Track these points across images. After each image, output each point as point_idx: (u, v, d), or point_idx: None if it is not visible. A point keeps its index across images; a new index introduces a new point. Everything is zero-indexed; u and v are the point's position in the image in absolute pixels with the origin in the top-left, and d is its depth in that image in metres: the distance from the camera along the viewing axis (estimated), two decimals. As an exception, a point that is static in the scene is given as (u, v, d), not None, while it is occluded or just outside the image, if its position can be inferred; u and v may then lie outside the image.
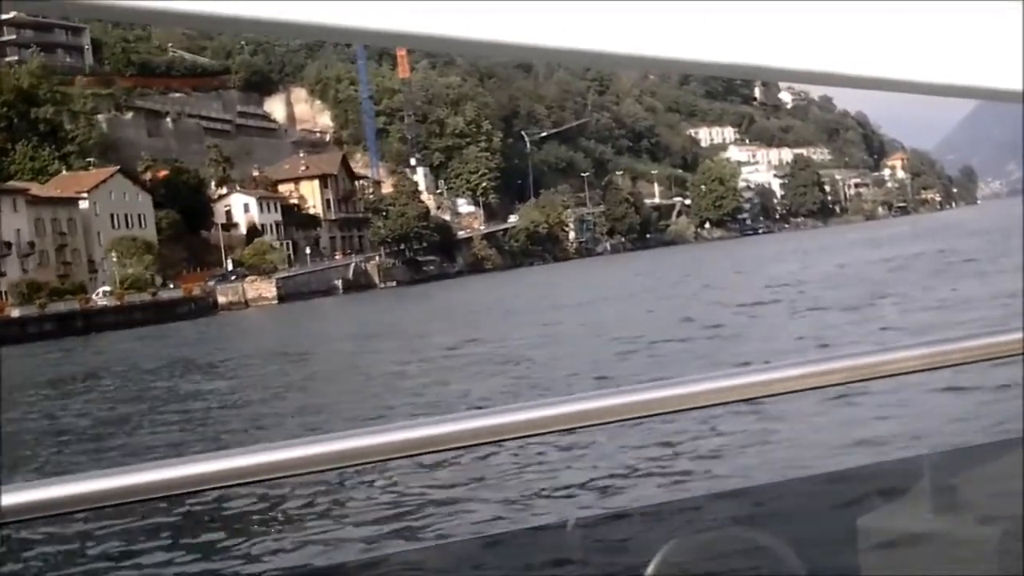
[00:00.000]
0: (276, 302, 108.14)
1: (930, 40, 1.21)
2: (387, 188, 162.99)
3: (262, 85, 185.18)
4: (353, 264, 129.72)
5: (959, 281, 42.71)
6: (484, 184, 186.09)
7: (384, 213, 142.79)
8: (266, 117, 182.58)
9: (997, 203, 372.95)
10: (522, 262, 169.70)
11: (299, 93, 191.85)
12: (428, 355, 38.46)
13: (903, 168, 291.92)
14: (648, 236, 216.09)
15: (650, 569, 1.97)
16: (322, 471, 1.36)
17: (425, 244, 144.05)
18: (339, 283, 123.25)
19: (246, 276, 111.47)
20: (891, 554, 2.33)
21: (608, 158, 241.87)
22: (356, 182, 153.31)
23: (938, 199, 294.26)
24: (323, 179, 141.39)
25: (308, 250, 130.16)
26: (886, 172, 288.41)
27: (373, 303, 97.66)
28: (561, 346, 36.72)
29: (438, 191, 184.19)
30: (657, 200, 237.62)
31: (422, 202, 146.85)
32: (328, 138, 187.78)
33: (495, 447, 14.34)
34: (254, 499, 15.75)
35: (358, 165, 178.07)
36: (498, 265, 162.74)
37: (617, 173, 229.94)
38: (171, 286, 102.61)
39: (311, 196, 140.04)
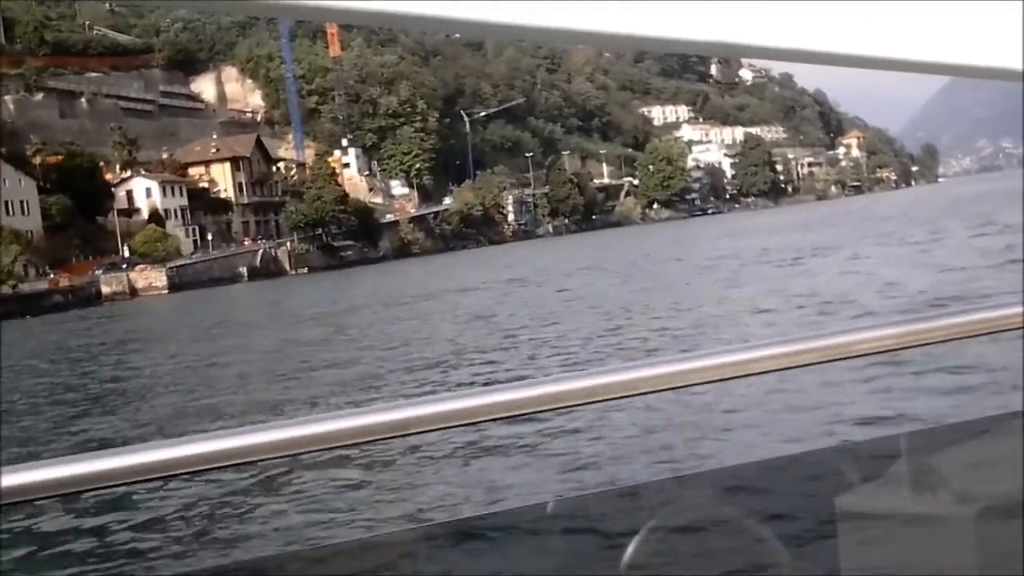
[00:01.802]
0: (167, 292, 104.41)
1: (929, 18, 1.20)
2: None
3: (189, 64, 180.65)
4: (261, 250, 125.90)
5: (728, 289, 40.45)
6: (418, 165, 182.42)
7: (301, 196, 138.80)
8: (192, 97, 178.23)
9: (957, 181, 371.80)
10: (455, 246, 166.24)
11: (230, 72, 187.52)
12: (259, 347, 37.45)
13: (859, 146, 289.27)
14: (594, 217, 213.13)
15: (629, 549, 1.99)
16: (318, 450, 1.39)
17: (343, 229, 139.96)
18: (244, 270, 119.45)
19: (137, 265, 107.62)
20: (869, 532, 2.36)
21: (558, 137, 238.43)
22: (274, 164, 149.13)
23: (893, 178, 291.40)
24: (235, 161, 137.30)
25: (211, 236, 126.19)
26: (841, 151, 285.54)
27: (274, 290, 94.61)
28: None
29: (370, 172, 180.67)
30: (606, 180, 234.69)
31: (339, 185, 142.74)
32: (259, 118, 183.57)
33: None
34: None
35: (289, 146, 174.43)
36: (427, 249, 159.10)
37: (564, 153, 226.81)
38: (51, 277, 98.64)
39: (222, 179, 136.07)
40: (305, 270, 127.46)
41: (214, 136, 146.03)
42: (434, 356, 30.50)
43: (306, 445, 1.38)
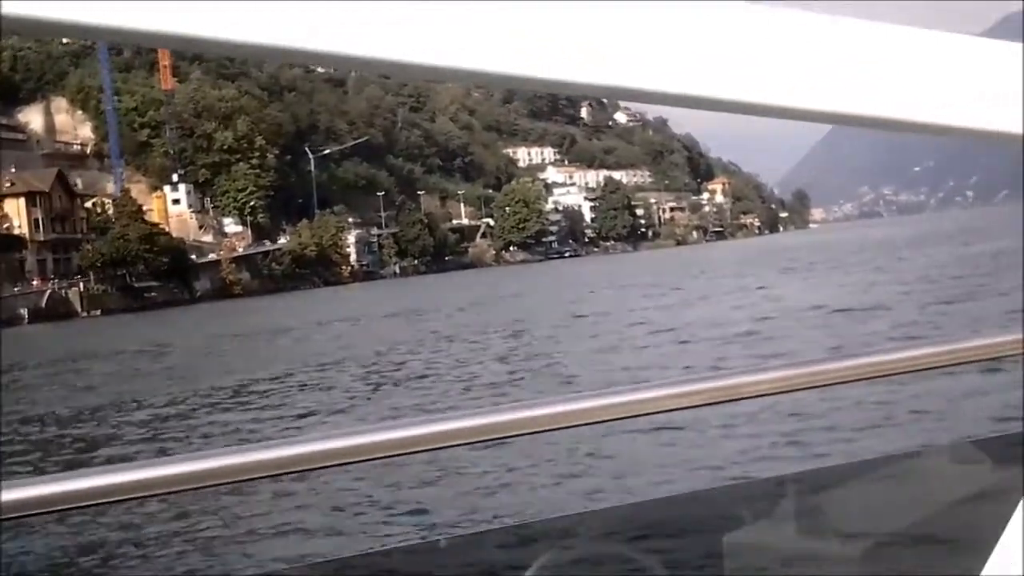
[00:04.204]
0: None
1: (928, 79, 1.20)
2: (146, 207, 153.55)
3: (12, 94, 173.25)
4: (49, 291, 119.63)
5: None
6: (253, 203, 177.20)
7: (104, 234, 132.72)
8: (14, 128, 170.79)
9: (829, 227, 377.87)
10: (285, 287, 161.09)
11: (59, 103, 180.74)
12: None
13: (723, 192, 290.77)
14: (447, 259, 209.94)
15: None
16: (321, 468, 1.40)
17: (150, 268, 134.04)
18: (24, 312, 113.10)
19: None
20: (757, 570, 2.40)
21: (416, 177, 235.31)
22: (81, 199, 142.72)
23: (757, 224, 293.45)
24: (31, 196, 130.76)
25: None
26: (705, 196, 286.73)
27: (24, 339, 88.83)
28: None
29: (202, 209, 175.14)
30: (464, 221, 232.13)
31: (146, 222, 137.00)
32: (88, 150, 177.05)
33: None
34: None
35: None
36: (253, 290, 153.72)
37: (420, 193, 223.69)
38: None
39: (16, 215, 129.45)
40: (98, 312, 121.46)
41: (12, 170, 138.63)
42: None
43: (306, 463, 1.38)
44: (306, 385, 31.61)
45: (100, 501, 1.29)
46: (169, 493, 1.34)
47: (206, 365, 41.42)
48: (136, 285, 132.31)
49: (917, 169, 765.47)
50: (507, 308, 60.96)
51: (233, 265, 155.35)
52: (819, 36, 1.13)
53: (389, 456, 1.44)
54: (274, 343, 50.71)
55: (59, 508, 1.27)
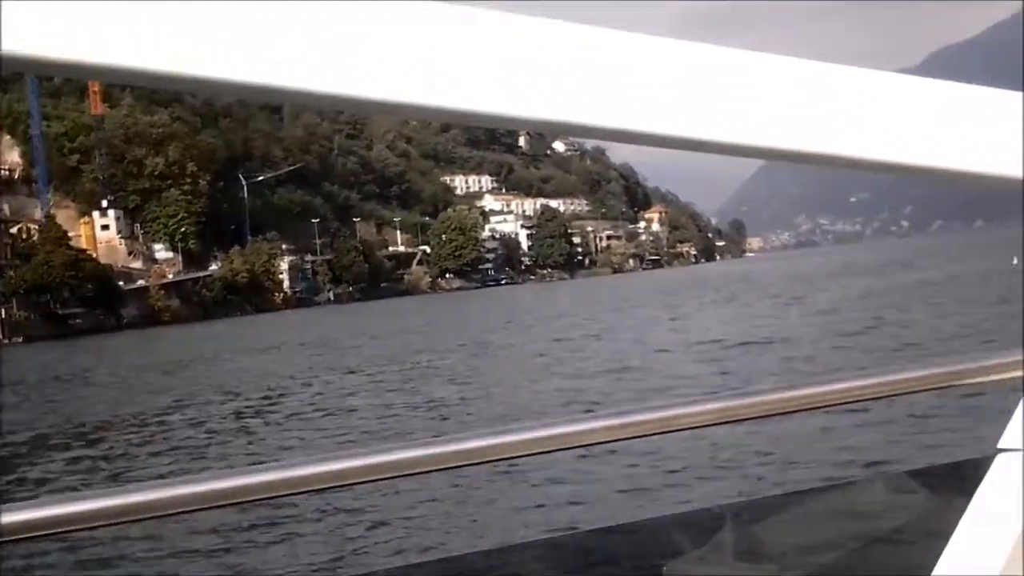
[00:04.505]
0: None
1: (931, 125, 1.20)
2: (74, 233, 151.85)
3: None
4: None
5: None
6: (184, 229, 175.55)
7: (29, 260, 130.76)
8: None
9: (758, 257, 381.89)
10: (215, 313, 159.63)
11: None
12: None
13: (660, 221, 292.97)
14: (383, 286, 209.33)
15: None
16: (335, 488, 1.41)
17: (75, 295, 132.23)
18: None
19: None
20: None
21: (353, 204, 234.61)
22: (2, 226, 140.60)
23: (693, 253, 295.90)
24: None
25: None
26: (641, 225, 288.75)
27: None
28: None
29: (132, 235, 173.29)
30: (401, 248, 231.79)
31: (72, 248, 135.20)
32: (16, 175, 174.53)
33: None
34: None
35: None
36: (183, 317, 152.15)
37: (356, 220, 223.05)
38: None
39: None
40: (20, 339, 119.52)
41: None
42: None
43: (315, 484, 1.38)
44: (182, 422, 30.94)
45: (101, 524, 1.28)
46: (173, 515, 1.34)
47: (95, 396, 40.71)
48: (60, 312, 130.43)
49: (853, 200, 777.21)
50: (413, 339, 60.66)
51: (162, 292, 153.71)
52: (773, 77, 1.14)
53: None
54: (177, 374, 50.07)
55: (59, 531, 1.27)
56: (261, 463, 1.40)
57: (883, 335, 38.92)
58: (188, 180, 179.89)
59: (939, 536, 1.76)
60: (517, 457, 1.57)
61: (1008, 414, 1.67)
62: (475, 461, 1.53)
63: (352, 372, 40.87)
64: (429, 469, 1.49)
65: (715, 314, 62.52)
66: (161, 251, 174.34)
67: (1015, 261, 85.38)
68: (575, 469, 16.72)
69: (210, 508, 1.36)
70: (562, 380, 31.40)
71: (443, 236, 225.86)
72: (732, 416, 1.65)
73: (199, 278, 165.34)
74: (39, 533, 1.25)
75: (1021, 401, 1.69)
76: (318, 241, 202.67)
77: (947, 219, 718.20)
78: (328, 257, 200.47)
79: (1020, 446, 1.67)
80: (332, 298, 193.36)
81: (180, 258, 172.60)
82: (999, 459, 1.70)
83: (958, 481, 1.97)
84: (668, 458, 17.26)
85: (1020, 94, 1.30)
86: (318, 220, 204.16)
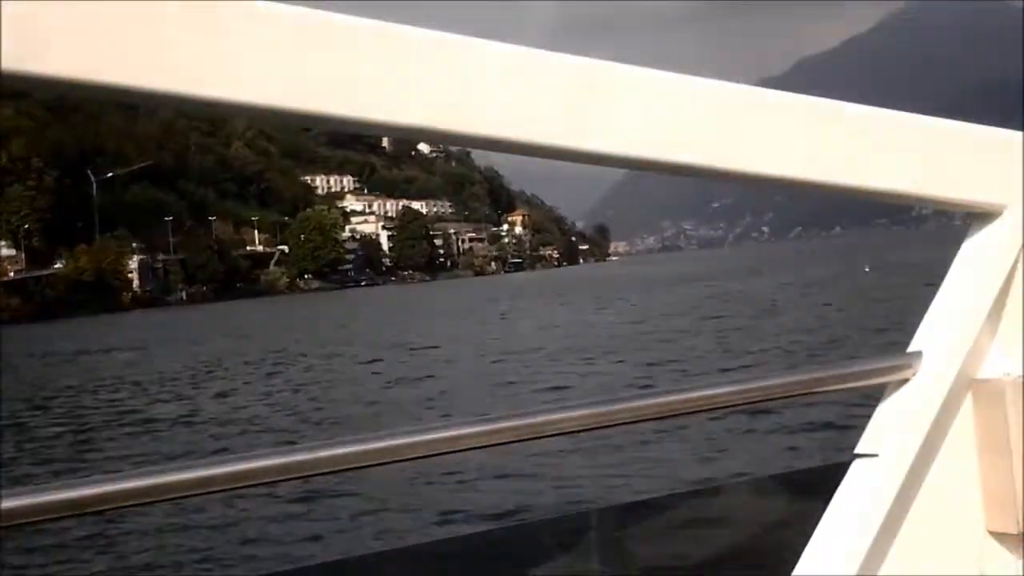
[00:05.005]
0: None
1: (936, 159, 1.25)
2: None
3: None
4: None
5: None
6: (28, 226, 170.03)
7: None
8: None
9: (620, 261, 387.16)
10: (59, 313, 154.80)
11: None
12: None
13: (523, 224, 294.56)
14: (239, 285, 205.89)
15: None
16: (324, 474, 1.39)
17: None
18: None
19: None
20: None
21: (210, 202, 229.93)
22: None
23: (556, 256, 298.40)
24: None
25: None
26: (505, 227, 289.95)
27: None
28: None
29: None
30: (259, 248, 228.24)
31: None
32: None
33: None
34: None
35: None
36: (22, 317, 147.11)
37: (212, 219, 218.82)
38: None
39: None
40: None
41: None
42: None
43: (309, 469, 1.37)
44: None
45: (101, 508, 1.27)
46: (171, 499, 1.33)
47: None
48: None
49: (716, 205, 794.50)
50: (233, 344, 59.63)
51: (2, 290, 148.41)
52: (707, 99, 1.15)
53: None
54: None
55: (60, 516, 1.26)
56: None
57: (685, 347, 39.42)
58: (33, 176, 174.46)
59: (800, 538, 1.81)
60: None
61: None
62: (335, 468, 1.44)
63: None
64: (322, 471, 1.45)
65: (546, 319, 62.67)
66: (3, 248, 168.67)
67: (867, 269, 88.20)
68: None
69: (226, 490, 1.35)
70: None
71: (302, 236, 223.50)
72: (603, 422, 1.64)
73: (41, 276, 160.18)
74: (40, 519, 1.25)
75: (877, 408, 1.77)
76: (172, 239, 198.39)
77: (806, 225, 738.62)
78: (181, 256, 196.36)
79: (876, 451, 1.72)
80: (185, 298, 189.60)
81: (23, 256, 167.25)
82: (856, 464, 1.75)
83: (818, 485, 2.02)
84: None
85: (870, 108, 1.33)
86: (172, 218, 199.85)
